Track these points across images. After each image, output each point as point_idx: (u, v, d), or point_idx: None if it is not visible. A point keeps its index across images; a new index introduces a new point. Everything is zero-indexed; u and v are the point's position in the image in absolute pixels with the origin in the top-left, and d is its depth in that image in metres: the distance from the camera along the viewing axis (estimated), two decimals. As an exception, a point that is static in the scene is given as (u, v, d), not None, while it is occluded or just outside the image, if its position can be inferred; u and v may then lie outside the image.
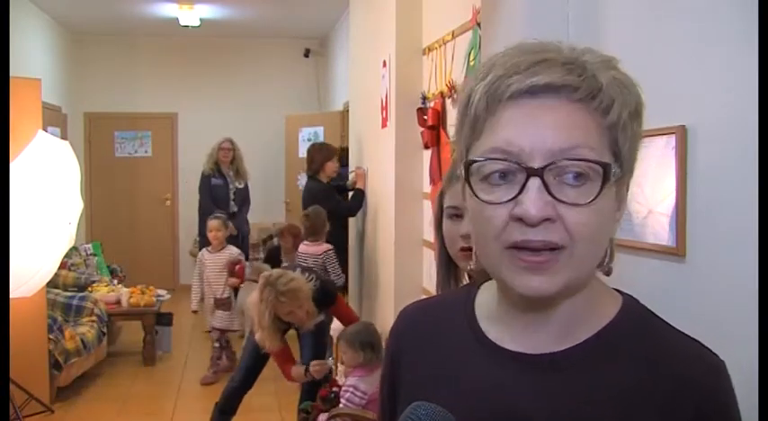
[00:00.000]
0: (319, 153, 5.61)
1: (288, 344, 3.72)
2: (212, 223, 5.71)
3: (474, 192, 0.78)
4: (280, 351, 3.63)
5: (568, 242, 0.74)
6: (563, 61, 0.76)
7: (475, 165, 0.78)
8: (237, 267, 5.59)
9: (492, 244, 0.77)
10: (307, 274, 3.62)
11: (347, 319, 3.90)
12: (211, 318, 5.65)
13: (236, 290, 5.72)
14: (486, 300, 0.90)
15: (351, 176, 5.90)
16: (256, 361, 3.84)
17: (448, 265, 1.68)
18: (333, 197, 5.53)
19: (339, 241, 5.51)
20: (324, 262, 4.90)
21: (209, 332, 5.75)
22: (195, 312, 5.77)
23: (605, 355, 0.81)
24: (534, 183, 0.74)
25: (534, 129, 0.75)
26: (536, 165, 0.74)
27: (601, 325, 0.83)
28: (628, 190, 0.83)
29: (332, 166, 5.61)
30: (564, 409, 0.79)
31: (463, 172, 0.79)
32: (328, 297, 3.75)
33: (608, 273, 0.84)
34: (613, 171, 0.75)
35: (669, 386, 0.78)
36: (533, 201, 0.73)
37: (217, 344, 5.55)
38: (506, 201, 0.75)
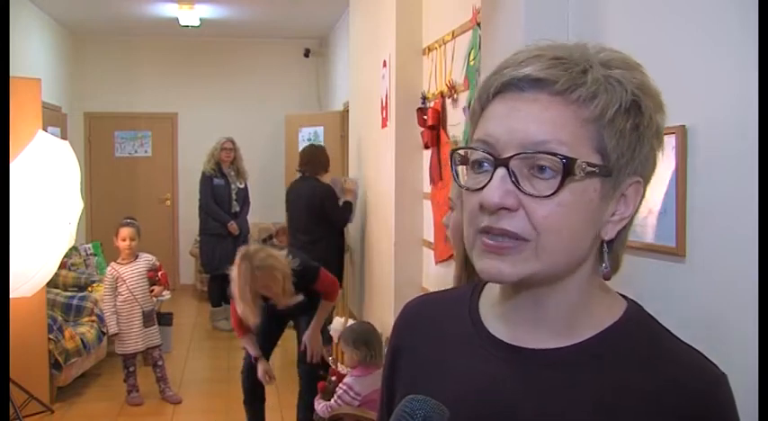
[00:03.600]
0: (323, 153, 5.60)
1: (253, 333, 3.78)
2: (126, 231, 4.87)
3: (457, 178, 0.83)
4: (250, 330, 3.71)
5: (533, 235, 0.76)
6: (553, 56, 0.77)
7: (456, 153, 0.82)
8: (161, 274, 4.97)
9: (468, 228, 0.80)
10: (290, 257, 3.60)
11: (329, 290, 3.87)
12: (132, 340, 4.84)
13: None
14: (490, 295, 0.90)
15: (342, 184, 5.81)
16: (269, 342, 3.92)
17: (466, 260, 1.67)
18: (336, 199, 5.48)
19: (337, 243, 5.49)
20: None
21: (125, 357, 4.87)
22: (116, 335, 4.87)
23: (603, 357, 0.80)
24: (500, 172, 0.76)
25: (510, 122, 0.77)
26: (507, 155, 0.76)
27: (602, 326, 0.82)
28: (642, 195, 0.81)
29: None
30: (554, 406, 0.79)
31: (449, 160, 0.83)
32: (309, 273, 3.70)
33: (606, 278, 0.83)
34: (582, 166, 0.74)
35: (666, 393, 0.77)
36: (493, 188, 0.75)
37: (161, 363, 4.94)
38: (479, 189, 0.77)
